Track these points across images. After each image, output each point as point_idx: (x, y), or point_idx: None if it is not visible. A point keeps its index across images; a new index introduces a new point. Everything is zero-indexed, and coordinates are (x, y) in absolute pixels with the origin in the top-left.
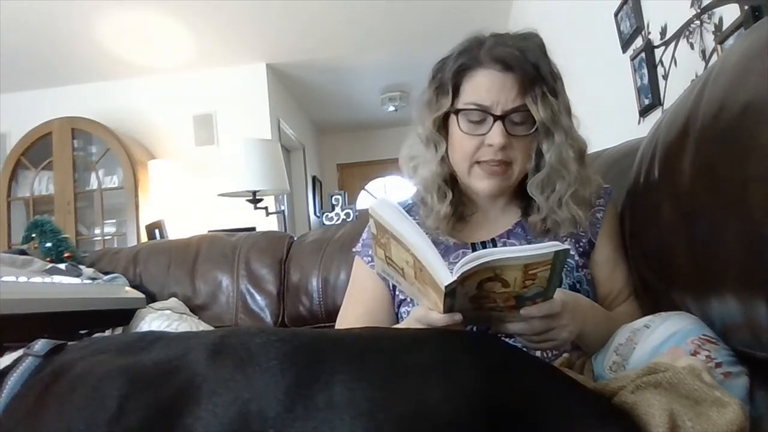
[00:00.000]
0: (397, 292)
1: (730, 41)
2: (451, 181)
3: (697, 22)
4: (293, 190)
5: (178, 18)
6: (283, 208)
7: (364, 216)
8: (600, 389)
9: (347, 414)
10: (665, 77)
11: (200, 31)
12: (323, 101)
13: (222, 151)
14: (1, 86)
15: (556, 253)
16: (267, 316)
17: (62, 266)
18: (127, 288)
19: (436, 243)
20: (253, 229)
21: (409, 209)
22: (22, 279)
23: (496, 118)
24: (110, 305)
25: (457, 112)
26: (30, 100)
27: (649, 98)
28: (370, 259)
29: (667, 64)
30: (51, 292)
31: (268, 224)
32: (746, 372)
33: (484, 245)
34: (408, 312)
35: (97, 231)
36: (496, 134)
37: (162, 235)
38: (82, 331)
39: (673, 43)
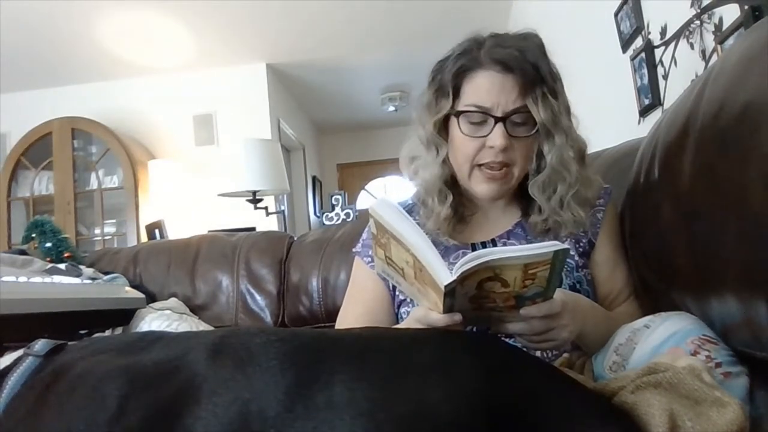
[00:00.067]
0: (397, 293)
1: (730, 41)
2: (451, 183)
3: (697, 22)
4: (293, 190)
5: (178, 18)
6: (283, 208)
7: (364, 216)
8: (600, 389)
9: (347, 414)
10: (665, 77)
11: (200, 31)
12: (323, 101)
13: (222, 151)
14: (1, 86)
15: (556, 252)
16: (267, 316)
17: (62, 266)
18: (127, 288)
19: (436, 243)
20: (253, 229)
21: (409, 209)
22: (22, 279)
23: (497, 119)
24: (110, 305)
25: (457, 114)
26: (30, 100)
27: (649, 98)
28: (370, 259)
29: (667, 64)
30: (51, 292)
31: (268, 224)
32: (746, 372)
33: (484, 245)
34: (408, 312)
35: (97, 231)
36: (497, 136)
37: (162, 235)
38: (82, 331)
39: (673, 43)
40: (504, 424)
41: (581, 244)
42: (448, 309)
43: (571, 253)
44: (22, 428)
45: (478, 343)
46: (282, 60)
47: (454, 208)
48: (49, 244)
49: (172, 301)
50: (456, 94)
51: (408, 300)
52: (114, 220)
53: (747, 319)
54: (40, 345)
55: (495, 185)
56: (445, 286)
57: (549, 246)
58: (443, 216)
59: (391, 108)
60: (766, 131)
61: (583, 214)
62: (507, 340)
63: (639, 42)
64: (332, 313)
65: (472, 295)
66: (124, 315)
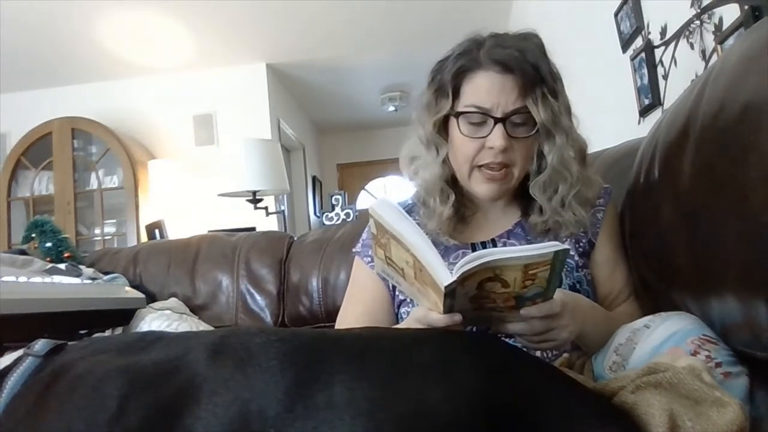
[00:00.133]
0: (397, 293)
1: (730, 41)
2: (452, 182)
3: (697, 22)
4: (293, 190)
5: (178, 18)
6: (283, 208)
7: (364, 216)
8: (600, 389)
9: (347, 414)
10: (665, 77)
11: (200, 31)
12: (323, 101)
13: (222, 151)
14: (1, 86)
15: (556, 253)
16: (267, 316)
17: (62, 266)
18: (127, 288)
19: (436, 244)
20: (253, 229)
21: (409, 209)
22: (22, 279)
23: (496, 120)
24: (110, 305)
25: (457, 114)
26: (30, 100)
27: (649, 98)
28: (370, 259)
29: (667, 64)
30: (51, 292)
31: (268, 224)
32: (746, 372)
33: (484, 245)
34: (408, 312)
35: (97, 231)
36: (497, 137)
37: (162, 235)
38: (82, 331)
39: (673, 43)
40: (504, 424)
41: (581, 244)
42: (448, 309)
43: (571, 253)
44: (22, 428)
45: (478, 343)
46: (282, 60)
47: (455, 208)
48: (49, 244)
49: (172, 301)
50: (456, 94)
51: (408, 300)
52: (114, 220)
53: (747, 319)
54: (40, 345)
55: (495, 185)
56: (446, 287)
57: (549, 246)
58: (446, 216)
59: (391, 108)
60: (766, 131)
61: (584, 214)
62: (507, 340)
63: (639, 42)
64: (332, 313)
65: (472, 295)
66: (124, 315)
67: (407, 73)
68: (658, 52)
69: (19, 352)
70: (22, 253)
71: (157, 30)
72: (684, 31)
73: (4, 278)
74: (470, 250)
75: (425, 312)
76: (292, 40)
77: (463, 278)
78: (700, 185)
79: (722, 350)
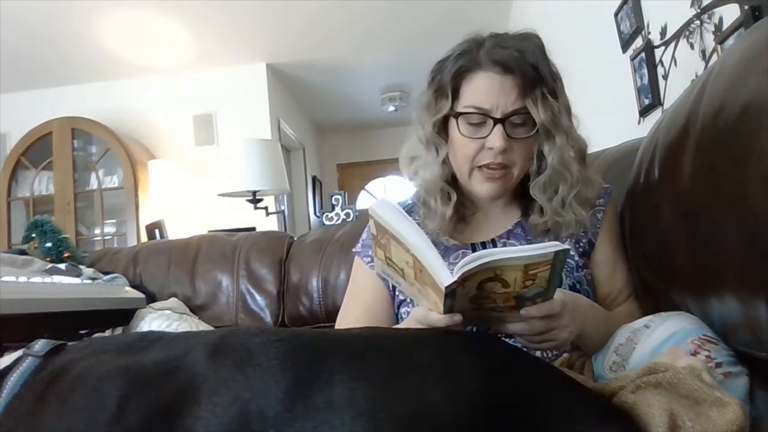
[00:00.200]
0: (397, 293)
1: (730, 41)
2: (452, 182)
3: (697, 22)
4: (293, 190)
5: (178, 18)
6: (283, 208)
7: (364, 216)
8: (600, 389)
9: (347, 414)
10: (665, 77)
11: (200, 31)
12: (323, 101)
13: (222, 151)
14: (1, 86)
15: (556, 253)
16: (267, 316)
17: (62, 266)
18: (127, 288)
19: (436, 244)
20: (253, 229)
21: (409, 210)
22: (22, 279)
23: (496, 121)
24: (110, 305)
25: (456, 115)
26: (30, 100)
27: (649, 98)
28: (369, 259)
29: (667, 64)
30: (51, 292)
31: (268, 224)
32: (746, 372)
33: (484, 246)
34: (408, 312)
35: (97, 231)
36: (496, 137)
37: (162, 235)
38: (82, 331)
39: (673, 43)
40: (504, 424)
41: (581, 244)
42: (448, 309)
43: (571, 253)
44: (22, 428)
45: (478, 343)
46: (282, 60)
47: (455, 208)
48: (49, 244)
49: (172, 301)
50: (455, 94)
51: (408, 300)
52: (114, 220)
53: (747, 319)
54: (40, 345)
55: (495, 185)
56: (446, 287)
57: (549, 246)
58: (447, 216)
59: (391, 108)
60: (766, 131)
61: (584, 214)
62: (507, 340)
63: (639, 42)
64: (332, 313)
65: (472, 295)
66: (124, 315)
67: (407, 73)
68: (658, 52)
69: (19, 352)
70: (22, 253)
71: (157, 30)
72: (684, 31)
73: (4, 278)
74: (470, 251)
75: (425, 312)
76: (292, 40)
77: (464, 278)
78: (700, 185)
79: (722, 350)
